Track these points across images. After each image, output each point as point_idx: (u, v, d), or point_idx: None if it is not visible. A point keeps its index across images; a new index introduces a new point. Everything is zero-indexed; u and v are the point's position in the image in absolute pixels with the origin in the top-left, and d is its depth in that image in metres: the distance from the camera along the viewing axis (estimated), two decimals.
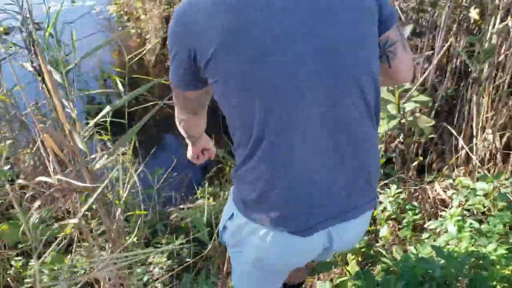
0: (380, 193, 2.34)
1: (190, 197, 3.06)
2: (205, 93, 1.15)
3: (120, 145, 1.34)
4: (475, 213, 2.10)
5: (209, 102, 1.24)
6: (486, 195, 2.03)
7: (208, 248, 2.31)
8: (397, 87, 2.14)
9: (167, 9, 6.10)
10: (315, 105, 0.99)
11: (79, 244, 2.11)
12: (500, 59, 2.44)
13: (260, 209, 1.11)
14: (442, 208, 2.39)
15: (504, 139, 2.46)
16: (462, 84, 2.83)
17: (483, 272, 1.68)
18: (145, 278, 1.99)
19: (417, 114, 2.16)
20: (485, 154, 2.48)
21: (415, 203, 2.24)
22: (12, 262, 2.18)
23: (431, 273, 1.64)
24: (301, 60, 0.95)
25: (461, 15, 2.71)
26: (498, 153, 2.43)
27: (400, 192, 2.31)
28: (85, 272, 1.54)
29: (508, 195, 2.00)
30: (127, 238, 2.25)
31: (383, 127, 2.14)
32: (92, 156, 2.46)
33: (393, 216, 2.27)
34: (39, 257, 2.29)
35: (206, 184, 3.30)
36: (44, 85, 2.18)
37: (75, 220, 1.26)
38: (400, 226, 2.27)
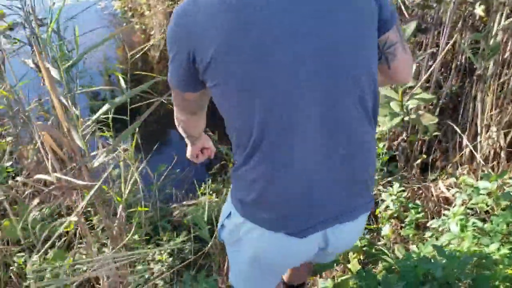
0: (383, 192, 2.32)
1: (193, 194, 3.05)
2: (204, 95, 1.15)
3: (118, 142, 1.33)
4: (478, 212, 2.08)
5: (208, 103, 1.23)
6: (489, 194, 2.00)
7: (209, 246, 2.31)
8: (400, 84, 2.11)
9: (172, 5, 6.08)
10: (315, 105, 0.99)
11: (80, 241, 2.12)
12: (505, 56, 2.41)
13: (258, 209, 1.11)
14: (446, 206, 2.38)
15: (509, 137, 2.44)
16: (467, 81, 2.80)
17: (485, 271, 1.66)
18: (146, 276, 1.98)
19: (421, 112, 2.14)
20: (489, 152, 2.46)
21: (418, 202, 2.22)
22: (15, 258, 2.19)
23: (433, 273, 1.62)
24: (301, 60, 0.95)
25: (467, 12, 2.69)
26: (503, 151, 2.41)
27: (403, 191, 2.29)
28: (86, 270, 1.54)
29: None
30: (128, 234, 2.25)
31: (386, 124, 2.12)
32: (93, 153, 2.46)
33: (395, 215, 2.25)
34: (39, 253, 2.30)
35: (209, 181, 3.30)
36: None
37: (74, 218, 1.26)
38: (402, 225, 2.26)
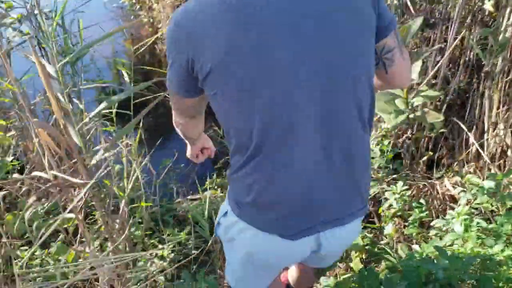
0: (386, 190, 2.30)
1: (198, 188, 3.04)
2: (203, 100, 1.15)
3: (117, 139, 1.32)
4: (483, 211, 2.05)
5: (206, 107, 1.24)
6: (495, 194, 1.97)
7: (209, 243, 2.30)
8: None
9: None
10: (315, 105, 0.99)
11: (82, 238, 2.12)
12: None
13: (253, 211, 1.13)
14: (451, 205, 2.35)
15: None
16: (475, 78, 2.76)
17: (489, 273, 1.64)
18: (144, 275, 1.98)
19: (426, 109, 2.10)
20: (496, 150, 2.42)
21: (422, 201, 2.19)
22: (18, 252, 2.21)
23: (435, 274, 1.61)
24: (301, 59, 0.95)
25: (476, 7, 2.64)
26: (510, 149, 2.37)
27: (408, 189, 2.27)
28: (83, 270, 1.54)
29: None
30: (131, 229, 2.25)
31: (391, 122, 2.09)
32: (96, 148, 2.46)
33: (398, 213, 2.23)
34: (44, 248, 2.31)
35: (214, 175, 3.29)
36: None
37: (71, 215, 1.25)
38: (406, 224, 2.23)
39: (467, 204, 2.03)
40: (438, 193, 2.47)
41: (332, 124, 1.02)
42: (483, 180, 2.28)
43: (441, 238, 2.01)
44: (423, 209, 2.13)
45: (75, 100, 2.93)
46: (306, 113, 0.99)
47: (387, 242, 2.16)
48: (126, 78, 2.55)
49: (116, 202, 2.44)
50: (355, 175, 1.11)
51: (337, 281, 1.92)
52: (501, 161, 2.41)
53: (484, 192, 1.94)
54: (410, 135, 2.56)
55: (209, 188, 3.21)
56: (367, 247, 2.01)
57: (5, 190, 2.15)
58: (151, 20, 6.63)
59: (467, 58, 2.76)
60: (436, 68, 2.47)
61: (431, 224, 2.07)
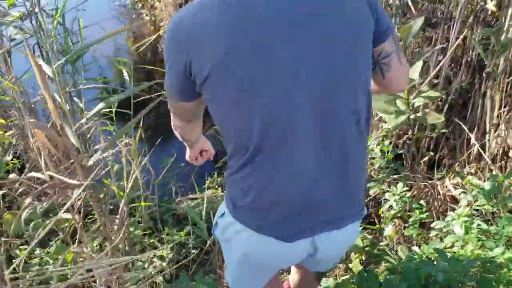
0: (387, 191, 2.28)
1: (199, 187, 3.04)
2: (200, 103, 1.15)
3: (115, 139, 1.32)
4: (484, 213, 2.04)
5: (203, 111, 1.24)
6: (495, 196, 1.96)
7: (208, 244, 2.30)
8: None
9: None
10: (315, 105, 0.99)
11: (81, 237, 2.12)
12: None
13: (249, 213, 1.13)
14: (452, 206, 2.34)
15: None
16: (477, 78, 2.74)
17: (489, 275, 1.63)
18: (143, 275, 1.97)
19: (427, 110, 2.09)
20: (497, 152, 2.40)
21: (422, 202, 2.18)
22: (17, 251, 2.20)
23: (434, 276, 1.59)
24: (301, 59, 0.95)
25: (478, 6, 2.63)
26: (511, 151, 2.35)
27: (408, 190, 2.25)
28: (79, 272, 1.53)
29: None
30: (130, 229, 2.25)
31: (392, 122, 2.08)
32: (96, 147, 2.45)
33: (399, 215, 2.22)
34: (44, 247, 2.31)
35: (215, 174, 3.29)
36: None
37: (68, 215, 1.24)
38: (406, 225, 2.22)
39: (467, 206, 2.01)
40: (439, 193, 2.46)
41: (332, 124, 1.02)
42: (484, 181, 2.27)
43: (441, 239, 2.00)
44: (423, 210, 2.11)
45: (75, 99, 2.93)
46: (306, 113, 0.99)
47: (387, 244, 2.15)
48: (126, 76, 2.54)
49: (116, 202, 2.44)
50: (351, 177, 1.11)
51: (337, 282, 1.91)
52: (503, 162, 2.39)
53: (485, 193, 1.92)
54: (410, 136, 2.54)
55: (210, 187, 3.20)
56: (367, 249, 2.00)
57: (4, 190, 2.15)
58: (153, 18, 6.61)
59: (469, 58, 2.75)
60: (438, 67, 2.45)
61: (431, 225, 2.06)
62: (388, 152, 2.53)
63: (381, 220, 2.32)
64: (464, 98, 2.88)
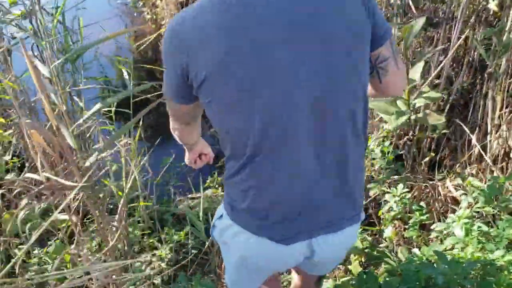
0: (387, 192, 2.27)
1: (193, 189, 3.02)
2: (198, 106, 1.15)
3: (114, 140, 1.31)
4: (484, 215, 2.02)
5: (201, 113, 1.24)
6: (496, 197, 1.94)
7: (206, 246, 2.29)
8: (407, 82, 2.05)
9: None
10: (315, 105, 0.99)
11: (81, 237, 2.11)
12: None
13: (249, 215, 1.13)
14: (453, 207, 2.32)
15: None
16: (478, 78, 2.72)
17: (489, 278, 1.62)
18: (143, 274, 1.97)
19: (428, 111, 2.07)
20: (498, 153, 2.39)
21: (422, 204, 2.17)
22: (16, 250, 2.20)
23: (434, 279, 1.58)
24: (301, 59, 0.95)
25: (480, 6, 2.61)
26: None
27: (408, 191, 2.23)
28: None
29: None
30: (129, 229, 2.24)
31: (392, 123, 2.06)
32: (95, 147, 2.45)
33: (399, 216, 2.20)
34: (43, 247, 2.31)
35: (216, 174, 3.28)
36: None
37: (64, 217, 1.23)
38: (406, 226, 2.21)
39: (468, 208, 2.00)
40: (439, 194, 2.44)
41: (332, 124, 1.02)
42: (485, 182, 2.25)
43: (442, 241, 1.99)
44: (424, 212, 2.10)
45: (75, 98, 2.92)
46: (306, 113, 0.99)
47: (386, 245, 2.14)
48: (126, 76, 2.54)
49: (115, 202, 2.43)
50: (350, 177, 1.11)
51: (336, 284, 1.90)
52: (504, 164, 2.37)
53: (485, 195, 1.91)
54: (411, 137, 2.53)
55: (210, 186, 3.20)
56: (366, 250, 1.99)
57: (3, 189, 2.14)
58: (154, 16, 6.61)
59: (470, 58, 2.73)
60: (439, 68, 2.44)
61: (432, 227, 2.04)
62: (388, 153, 2.51)
63: (381, 221, 2.31)
64: (466, 99, 2.87)
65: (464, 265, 1.58)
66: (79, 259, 1.74)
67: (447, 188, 2.45)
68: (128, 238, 2.15)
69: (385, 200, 2.26)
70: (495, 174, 2.32)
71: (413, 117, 2.08)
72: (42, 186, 1.14)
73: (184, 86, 1.03)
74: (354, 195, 1.15)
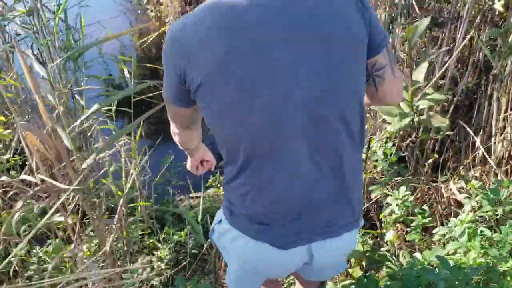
0: (389, 195, 2.24)
1: (191, 189, 3.01)
2: (196, 110, 1.15)
3: (113, 140, 1.29)
4: (488, 219, 1.99)
5: (201, 118, 1.25)
6: (500, 201, 1.91)
7: (204, 248, 2.27)
8: (411, 83, 2.02)
9: None
10: (316, 105, 0.98)
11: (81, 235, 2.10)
12: None
13: (246, 220, 1.14)
14: (456, 210, 2.29)
15: None
16: (483, 79, 2.69)
17: (492, 284, 1.59)
18: (141, 276, 1.96)
19: (431, 113, 2.04)
20: (503, 155, 2.35)
21: (425, 207, 2.14)
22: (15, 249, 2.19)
23: (436, 285, 1.56)
24: (301, 59, 0.95)
25: (486, 6, 2.58)
26: None
27: (411, 194, 2.20)
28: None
29: None
30: (129, 228, 2.23)
31: (395, 125, 2.04)
32: (95, 146, 2.43)
33: (400, 219, 2.17)
34: (43, 246, 2.30)
35: (218, 173, 3.26)
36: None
37: (61, 218, 1.22)
38: (408, 229, 2.18)
39: (471, 211, 1.97)
40: (443, 197, 2.41)
41: (332, 124, 1.02)
42: (489, 185, 2.22)
43: (444, 244, 1.96)
44: (426, 215, 2.07)
45: (76, 97, 2.91)
46: (306, 113, 0.98)
47: (388, 249, 2.11)
48: (127, 74, 2.52)
49: (114, 201, 2.42)
50: (346, 179, 1.11)
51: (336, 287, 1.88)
52: (508, 167, 2.34)
53: (489, 199, 1.88)
54: (414, 139, 2.50)
55: (212, 186, 3.18)
56: (367, 254, 1.96)
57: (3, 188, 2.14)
58: (158, 14, 6.59)
59: (475, 59, 2.70)
60: (444, 68, 2.41)
61: (434, 231, 2.01)
62: (391, 155, 2.49)
63: (383, 224, 2.28)
64: (470, 99, 2.83)
65: (466, 270, 1.56)
66: (76, 260, 1.73)
67: (451, 190, 2.42)
68: (127, 238, 2.14)
69: (387, 203, 2.24)
70: (499, 177, 2.29)
71: (416, 119, 2.05)
72: (37, 188, 1.13)
73: (182, 89, 1.04)
74: (352, 199, 1.15)
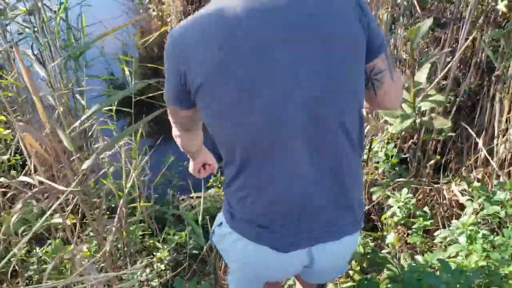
0: (390, 197, 2.23)
1: (191, 189, 3.01)
2: (197, 112, 1.14)
3: (111, 144, 1.28)
4: (490, 221, 1.98)
5: (202, 121, 1.25)
6: (502, 204, 1.90)
7: (204, 250, 2.27)
8: (413, 84, 2.01)
9: None
10: (316, 105, 0.98)
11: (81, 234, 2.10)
12: None
13: (245, 224, 1.14)
14: (458, 211, 2.28)
15: None
16: (486, 80, 2.67)
17: (493, 287, 1.58)
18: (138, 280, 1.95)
19: (433, 115, 2.03)
20: (505, 157, 2.34)
21: (426, 209, 2.12)
22: (15, 250, 2.19)
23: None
24: (301, 59, 0.95)
25: (489, 7, 2.56)
26: None
27: (412, 197, 2.19)
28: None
29: None
30: (130, 228, 2.22)
31: (397, 127, 2.02)
32: (96, 145, 2.43)
33: (402, 222, 2.16)
34: (42, 245, 2.30)
35: (219, 173, 3.26)
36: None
37: (59, 220, 1.21)
38: (409, 231, 2.17)
39: (473, 213, 1.96)
40: (444, 198, 2.40)
41: (332, 124, 1.02)
42: (491, 187, 2.20)
43: (446, 247, 1.95)
44: (427, 217, 2.06)
45: (77, 96, 2.90)
46: (306, 113, 0.98)
47: (389, 251, 2.10)
48: (127, 73, 2.51)
49: (115, 201, 2.41)
50: (345, 181, 1.10)
51: None
52: (510, 168, 2.32)
53: (491, 201, 1.87)
54: (415, 140, 2.49)
55: (213, 186, 3.18)
56: (368, 256, 1.95)
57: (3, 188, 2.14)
58: (160, 13, 6.60)
59: (478, 60, 2.68)
60: (446, 69, 2.40)
61: (435, 234, 2.00)
62: (392, 156, 2.47)
63: (384, 226, 2.27)
64: (473, 101, 2.82)
65: (468, 274, 1.54)
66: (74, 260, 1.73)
67: (452, 192, 2.40)
68: (127, 239, 2.13)
69: (388, 205, 2.22)
70: (501, 179, 2.28)
71: (418, 120, 2.04)
72: (35, 190, 1.12)
73: (183, 91, 1.04)
74: (353, 200, 1.14)
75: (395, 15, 2.63)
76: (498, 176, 2.33)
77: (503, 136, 2.35)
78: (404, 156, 2.63)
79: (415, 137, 2.54)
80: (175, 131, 1.30)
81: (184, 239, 2.48)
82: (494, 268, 1.62)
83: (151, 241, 2.48)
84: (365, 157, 2.54)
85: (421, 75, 2.04)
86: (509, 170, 2.33)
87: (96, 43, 2.05)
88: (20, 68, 2.80)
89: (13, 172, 2.59)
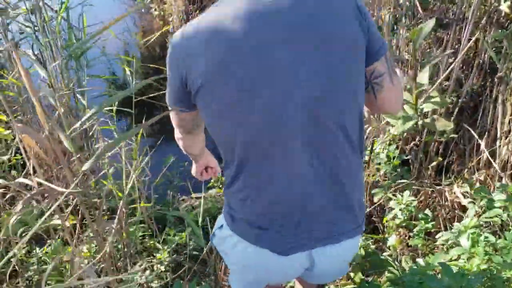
0: (392, 199, 2.22)
1: (191, 191, 3.00)
2: (198, 115, 1.16)
3: (111, 146, 1.27)
4: (492, 224, 1.96)
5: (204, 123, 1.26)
6: (505, 206, 1.88)
7: (204, 252, 2.26)
8: (415, 85, 2.00)
9: None
10: (316, 105, 0.98)
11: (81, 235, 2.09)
12: None
13: (245, 225, 1.14)
14: (460, 213, 2.27)
15: None
16: (488, 81, 2.66)
17: None
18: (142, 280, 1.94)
19: (435, 116, 2.02)
20: (508, 159, 2.32)
21: (428, 212, 2.11)
22: (15, 250, 2.18)
23: None
24: (301, 59, 0.96)
25: (492, 7, 2.55)
26: None
27: (414, 200, 2.17)
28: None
29: None
30: (129, 229, 2.21)
31: (398, 128, 2.01)
32: (97, 146, 2.42)
33: (403, 224, 2.15)
34: (42, 246, 2.29)
35: (220, 174, 3.24)
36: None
37: (58, 221, 1.21)
38: (411, 234, 2.15)
39: (475, 216, 1.94)
40: (446, 200, 2.39)
41: (332, 124, 1.02)
42: (493, 189, 2.19)
43: (447, 250, 1.94)
44: (429, 220, 2.05)
45: (78, 96, 2.90)
46: (306, 113, 0.98)
47: (390, 254, 2.09)
48: (128, 73, 2.51)
49: (116, 202, 2.40)
50: (344, 182, 1.10)
51: None
52: None
53: (493, 204, 1.85)
54: (417, 142, 2.48)
55: (214, 186, 3.17)
56: (369, 258, 1.94)
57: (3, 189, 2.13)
58: (162, 13, 6.59)
59: (481, 61, 2.67)
60: (448, 70, 2.38)
61: (437, 236, 1.99)
62: (394, 158, 2.46)
63: (385, 229, 2.26)
64: (475, 102, 2.80)
65: (469, 277, 1.53)
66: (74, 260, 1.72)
67: (454, 193, 2.39)
68: (127, 239, 2.12)
69: (389, 207, 2.21)
70: (503, 181, 2.26)
71: (420, 122, 2.03)
72: (34, 191, 1.11)
73: (184, 93, 1.04)
74: (353, 201, 1.14)
75: (397, 16, 2.62)
76: (500, 178, 2.32)
77: (506, 138, 2.34)
78: (406, 158, 2.62)
79: (417, 139, 2.53)
80: (177, 134, 1.31)
81: (184, 240, 2.48)
82: (496, 271, 1.61)
83: (151, 242, 2.47)
84: (366, 158, 2.53)
85: (423, 76, 2.04)
86: (511, 173, 2.32)
87: (97, 43, 2.05)
88: (24, 66, 2.79)
89: (13, 172, 2.58)
